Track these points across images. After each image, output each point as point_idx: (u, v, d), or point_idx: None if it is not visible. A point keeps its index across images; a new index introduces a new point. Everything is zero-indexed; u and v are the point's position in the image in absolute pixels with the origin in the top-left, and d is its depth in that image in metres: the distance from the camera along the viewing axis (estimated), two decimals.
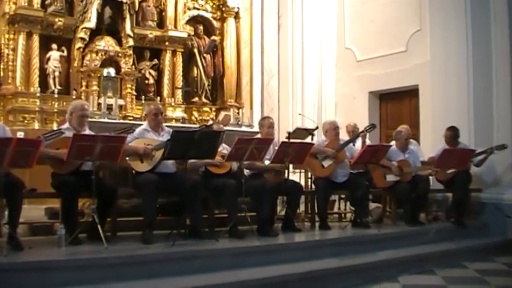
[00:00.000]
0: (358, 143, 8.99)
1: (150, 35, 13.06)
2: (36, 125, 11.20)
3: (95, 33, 12.33)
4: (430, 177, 9.43)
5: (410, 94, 12.32)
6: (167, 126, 7.52)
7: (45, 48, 11.92)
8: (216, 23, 14.27)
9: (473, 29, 10.05)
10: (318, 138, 9.08)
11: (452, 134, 9.22)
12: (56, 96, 11.63)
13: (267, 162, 7.62)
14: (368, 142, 9.16)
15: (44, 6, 11.80)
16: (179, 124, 11.62)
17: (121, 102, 11.96)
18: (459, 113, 9.97)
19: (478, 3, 10.02)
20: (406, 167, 8.60)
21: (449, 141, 9.19)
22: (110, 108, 11.01)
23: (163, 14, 13.40)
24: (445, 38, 10.56)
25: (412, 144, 9.30)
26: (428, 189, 9.04)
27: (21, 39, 11.49)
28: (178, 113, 13.00)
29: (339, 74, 13.92)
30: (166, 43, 13.24)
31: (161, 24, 13.35)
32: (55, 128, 8.41)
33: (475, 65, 9.96)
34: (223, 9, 14.20)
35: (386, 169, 8.56)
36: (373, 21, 12.91)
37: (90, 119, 7.35)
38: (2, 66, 11.63)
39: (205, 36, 14.03)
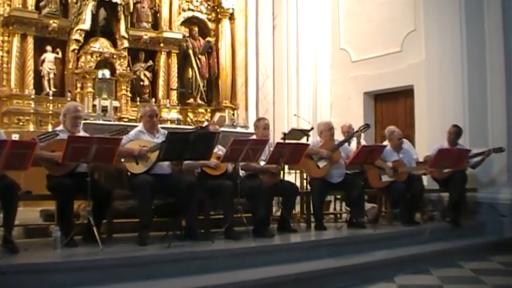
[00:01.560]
0: (353, 143, 9.01)
1: (145, 37, 13.04)
2: (31, 127, 11.18)
3: (89, 35, 12.30)
4: (425, 177, 9.47)
5: (405, 94, 12.35)
6: (162, 127, 7.51)
7: (39, 50, 11.89)
8: (211, 24, 14.26)
9: (468, 29, 10.07)
10: (313, 139, 9.08)
11: (458, 130, 9.29)
12: (50, 98, 11.61)
13: (262, 163, 7.63)
14: (363, 142, 9.17)
15: (38, 8, 11.77)
16: (174, 125, 11.62)
17: (116, 103, 11.94)
18: (454, 113, 10.00)
19: (472, 4, 10.05)
20: (401, 167, 8.62)
21: (453, 138, 9.26)
22: (104, 109, 11.01)
23: (158, 15, 13.37)
24: (439, 38, 10.59)
25: (404, 143, 9.33)
26: (423, 189, 9.08)
27: (16, 41, 11.47)
28: (174, 114, 12.98)
29: (333, 74, 13.94)
30: (161, 44, 13.21)
31: (156, 25, 13.33)
32: (50, 130, 8.40)
33: (470, 65, 9.98)
34: (218, 10, 14.18)
35: (382, 170, 8.58)
36: (368, 22, 12.93)
37: (85, 121, 7.35)
38: None
39: (200, 38, 14.01)
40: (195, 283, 5.62)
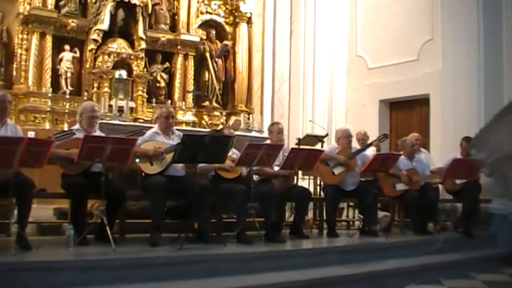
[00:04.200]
0: (370, 151, 8.98)
1: (163, 38, 13.09)
2: (47, 125, 11.26)
3: (107, 35, 12.39)
4: (440, 186, 9.42)
5: (420, 103, 12.31)
6: (177, 129, 7.53)
7: (57, 49, 11.98)
8: (228, 28, 14.31)
9: (485, 39, 10.06)
10: (330, 145, 9.08)
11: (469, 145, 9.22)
12: (67, 97, 11.69)
13: (276, 168, 7.62)
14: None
15: (57, 7, 11.87)
16: (189, 128, 11.64)
17: (132, 104, 12.01)
18: (470, 122, 9.97)
19: (489, 14, 10.04)
20: (415, 175, 8.59)
21: (467, 152, 9.18)
22: (121, 110, 11.08)
23: (176, 17, 13.44)
24: (456, 48, 10.57)
25: (422, 152, 9.29)
26: (437, 198, 9.04)
27: (35, 39, 11.57)
28: (189, 116, 13.03)
29: (349, 81, 13.92)
30: (179, 47, 13.27)
31: (174, 27, 13.39)
32: (66, 129, 8.45)
33: (486, 75, 9.97)
34: (236, 14, 14.23)
35: (396, 178, 8.54)
36: (385, 30, 12.91)
37: (101, 121, 7.38)
38: (14, 66, 11.73)
39: (217, 41, 14.07)
40: (205, 286, 5.63)
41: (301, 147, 8.27)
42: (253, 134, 11.74)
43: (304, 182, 9.67)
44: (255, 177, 7.49)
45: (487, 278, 7.58)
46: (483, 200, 9.33)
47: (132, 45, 12.65)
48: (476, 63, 10.06)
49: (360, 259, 7.20)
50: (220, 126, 11.79)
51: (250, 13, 14.24)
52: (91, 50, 12.22)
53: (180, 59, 13.31)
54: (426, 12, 12.07)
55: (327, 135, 10.04)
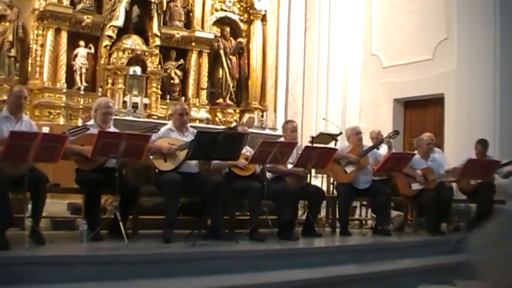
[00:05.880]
0: (383, 149, 8.95)
1: (177, 35, 13.10)
2: (62, 121, 11.29)
3: (122, 32, 12.40)
4: (454, 186, 9.37)
5: (435, 102, 12.24)
6: (191, 126, 7.54)
7: (72, 44, 12.00)
8: (242, 25, 14.28)
9: (502, 39, 10.00)
10: (341, 145, 9.07)
11: (484, 148, 9.14)
12: (82, 92, 11.71)
13: (289, 166, 7.62)
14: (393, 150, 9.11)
15: (73, 3, 11.89)
16: (203, 125, 11.65)
17: (146, 101, 12.03)
18: (484, 123, 9.91)
19: (506, 13, 9.98)
20: (430, 175, 8.55)
21: (482, 155, 9.12)
22: (135, 106, 11.11)
23: (191, 14, 13.43)
24: (472, 47, 10.50)
25: (436, 152, 9.25)
26: (452, 198, 8.99)
27: (50, 35, 11.60)
28: (203, 113, 13.03)
29: (364, 80, 13.87)
30: (193, 43, 13.26)
31: (188, 24, 13.39)
32: (80, 124, 8.47)
33: (502, 75, 9.90)
34: (251, 11, 14.20)
35: (411, 178, 8.51)
36: (400, 28, 12.84)
37: (115, 117, 7.41)
38: (30, 61, 11.77)
39: (231, 38, 14.05)
40: (217, 283, 5.61)
41: (314, 145, 8.25)
42: (267, 131, 11.73)
43: (317, 180, 9.66)
44: (269, 175, 7.50)
45: None
46: (497, 201, 9.26)
47: (146, 41, 12.66)
48: (492, 63, 10.00)
49: (373, 258, 7.16)
50: (234, 124, 11.77)
51: (265, 10, 14.20)
52: (106, 46, 12.24)
53: (194, 56, 13.31)
54: (441, 11, 12.00)
55: (340, 133, 10.02)
